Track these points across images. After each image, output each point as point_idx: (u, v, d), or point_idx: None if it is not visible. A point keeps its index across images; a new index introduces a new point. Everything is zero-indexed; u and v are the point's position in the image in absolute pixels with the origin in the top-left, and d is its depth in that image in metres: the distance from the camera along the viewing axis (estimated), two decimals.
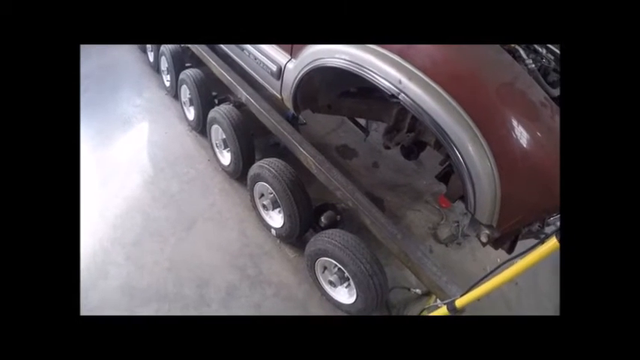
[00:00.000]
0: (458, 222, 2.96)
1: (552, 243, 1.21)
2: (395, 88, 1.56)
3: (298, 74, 2.03)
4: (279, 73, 2.20)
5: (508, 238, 1.71)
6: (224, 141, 2.97)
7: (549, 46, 1.80)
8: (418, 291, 2.47)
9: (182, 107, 3.63)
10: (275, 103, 2.61)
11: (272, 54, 2.26)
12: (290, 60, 2.12)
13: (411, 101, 1.53)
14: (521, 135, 1.40)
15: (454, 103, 1.44)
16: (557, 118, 1.41)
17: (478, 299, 1.55)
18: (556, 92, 1.53)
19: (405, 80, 1.53)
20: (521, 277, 2.03)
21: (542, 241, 1.32)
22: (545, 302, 2.65)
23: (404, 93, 1.54)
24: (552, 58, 1.70)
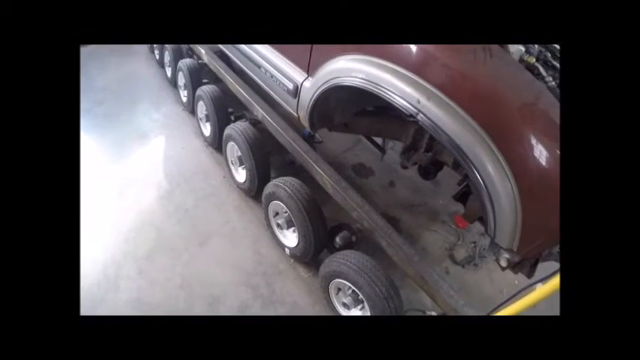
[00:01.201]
0: (475, 243, 2.91)
1: None
2: (413, 108, 1.53)
3: (315, 93, 2.02)
4: (296, 92, 2.19)
5: (528, 262, 1.65)
6: (240, 158, 2.97)
7: None
8: (433, 313, 2.41)
9: (198, 123, 3.66)
10: (291, 121, 2.60)
11: (288, 72, 2.25)
12: (307, 78, 2.12)
13: (429, 121, 1.49)
14: (543, 155, 1.35)
15: (474, 124, 1.41)
16: None
17: None
18: None
19: (423, 100, 1.50)
20: None
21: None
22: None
23: (422, 113, 1.51)
24: None
